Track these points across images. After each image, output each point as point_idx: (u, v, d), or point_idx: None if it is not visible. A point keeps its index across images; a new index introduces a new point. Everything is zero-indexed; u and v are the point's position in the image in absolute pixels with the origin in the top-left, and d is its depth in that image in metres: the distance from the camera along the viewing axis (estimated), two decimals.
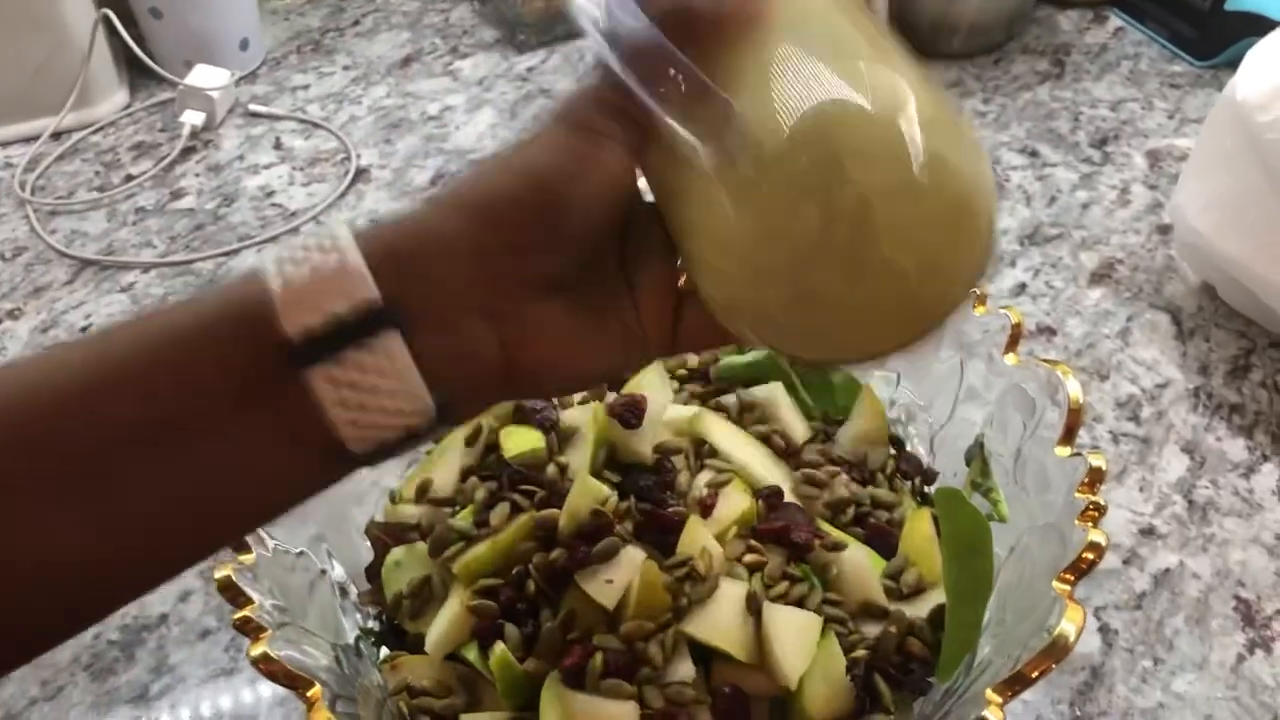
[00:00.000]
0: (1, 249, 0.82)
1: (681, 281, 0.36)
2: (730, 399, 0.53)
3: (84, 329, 0.75)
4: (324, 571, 0.47)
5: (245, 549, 0.42)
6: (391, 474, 0.54)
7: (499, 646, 0.43)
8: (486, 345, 0.32)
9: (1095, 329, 0.72)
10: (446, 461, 0.51)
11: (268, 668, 0.37)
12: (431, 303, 0.30)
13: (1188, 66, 0.95)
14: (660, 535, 0.46)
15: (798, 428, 0.52)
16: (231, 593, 0.40)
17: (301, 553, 0.46)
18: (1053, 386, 0.46)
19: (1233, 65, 0.68)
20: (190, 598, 0.58)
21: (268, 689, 0.54)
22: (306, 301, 0.29)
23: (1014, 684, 0.36)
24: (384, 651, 0.48)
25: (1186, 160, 0.72)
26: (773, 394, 0.53)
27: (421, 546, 0.47)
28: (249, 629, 0.39)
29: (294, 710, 0.53)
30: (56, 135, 0.91)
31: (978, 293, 0.51)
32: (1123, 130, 0.89)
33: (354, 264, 0.29)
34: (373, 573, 0.49)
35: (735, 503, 0.47)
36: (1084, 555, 0.39)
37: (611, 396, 0.51)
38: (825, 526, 0.48)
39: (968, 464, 0.51)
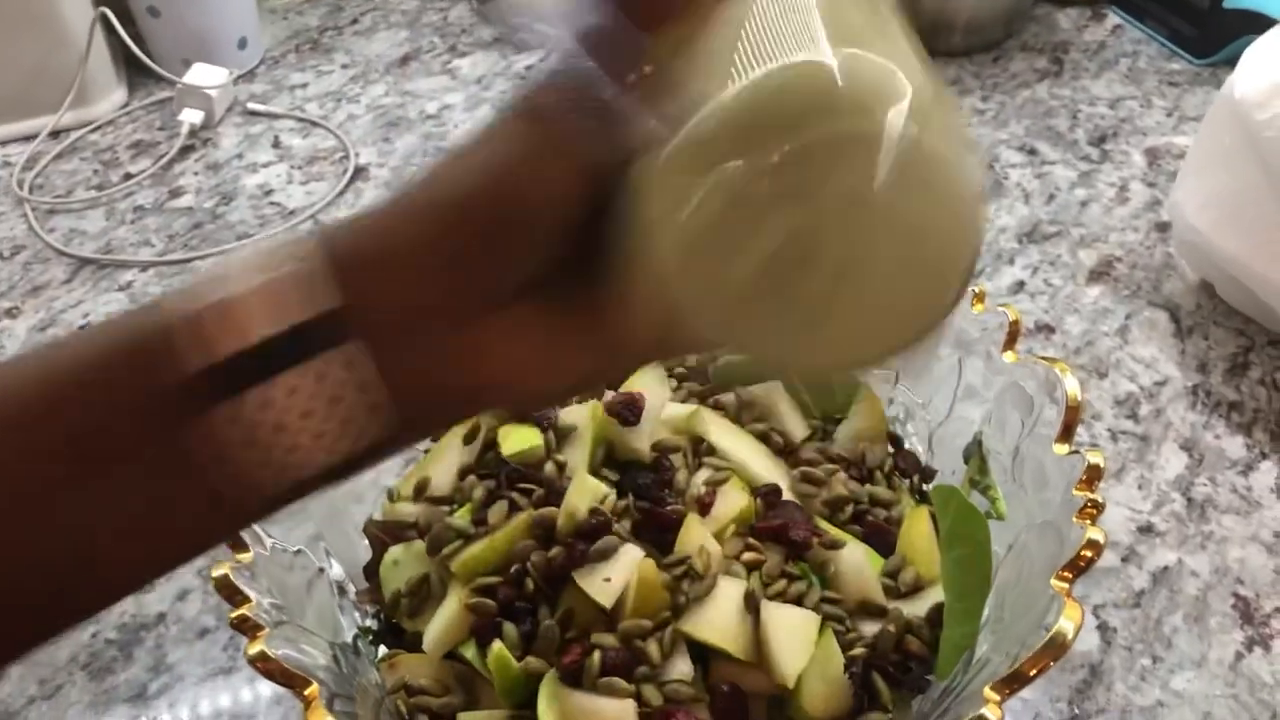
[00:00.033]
0: (0, 247, 0.82)
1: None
2: (729, 397, 0.53)
3: (82, 328, 0.75)
4: (322, 570, 0.47)
5: (243, 547, 0.42)
6: (390, 472, 0.54)
7: (497, 645, 0.43)
8: (447, 358, 0.29)
9: (1094, 327, 0.72)
10: (444, 460, 0.51)
11: (265, 666, 0.37)
12: (391, 313, 0.28)
13: (1186, 64, 0.95)
14: (658, 533, 0.46)
15: (796, 426, 0.52)
16: (229, 591, 0.40)
17: (299, 551, 0.46)
18: (1051, 384, 0.46)
19: (1231, 63, 0.68)
20: (188, 596, 0.58)
21: (266, 688, 0.54)
22: (233, 320, 0.26)
23: (1012, 682, 0.36)
24: (382, 650, 0.48)
25: (1185, 158, 0.72)
26: (771, 392, 0.53)
27: (419, 545, 0.47)
28: (246, 627, 0.39)
29: (292, 709, 0.53)
30: (55, 134, 0.91)
31: (975, 290, 0.51)
32: (1121, 128, 0.88)
33: (305, 273, 0.27)
34: (371, 571, 0.49)
35: (733, 501, 0.47)
36: (1082, 553, 0.39)
37: (610, 394, 0.51)
38: (823, 524, 0.48)
39: (966, 462, 0.51)
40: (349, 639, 0.47)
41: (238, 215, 0.84)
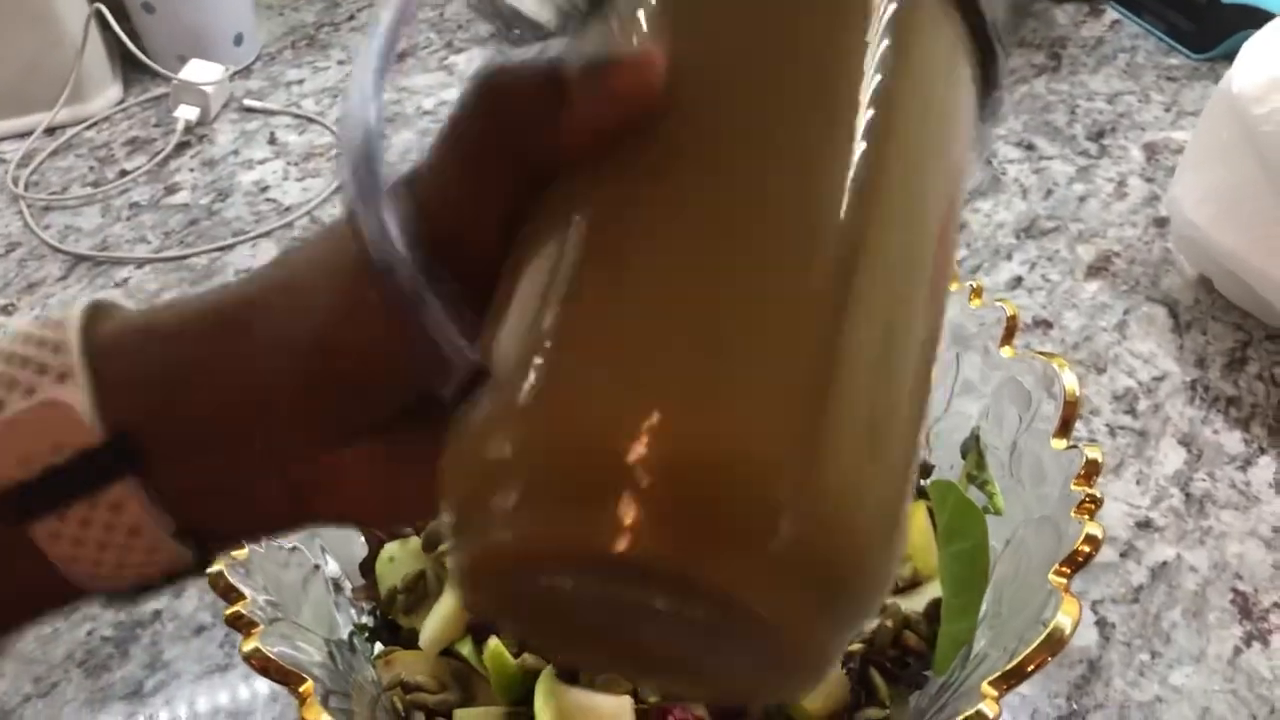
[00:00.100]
0: None
1: None
2: None
3: None
4: (317, 566, 0.47)
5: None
6: None
7: (493, 641, 0.43)
8: (268, 493, 0.26)
9: (1092, 322, 0.72)
10: None
11: (260, 663, 0.37)
12: (191, 445, 0.25)
13: (1184, 59, 0.95)
14: None
15: None
16: (224, 588, 0.40)
17: (295, 548, 0.46)
18: (1049, 379, 0.46)
19: (1229, 58, 0.68)
20: (184, 594, 0.58)
21: (263, 685, 0.54)
22: (12, 445, 0.24)
23: (1010, 677, 0.36)
24: (378, 647, 0.48)
25: (1183, 153, 0.72)
26: None
27: (415, 542, 0.47)
28: (241, 624, 0.38)
29: (289, 706, 0.53)
30: (50, 131, 0.91)
31: (973, 285, 0.51)
32: (1119, 123, 0.88)
33: (70, 400, 0.24)
34: (367, 568, 0.49)
35: None
36: (1080, 548, 0.39)
37: None
38: None
39: (963, 457, 0.51)
40: (345, 636, 0.46)
41: (234, 212, 0.84)
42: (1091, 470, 0.42)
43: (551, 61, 0.24)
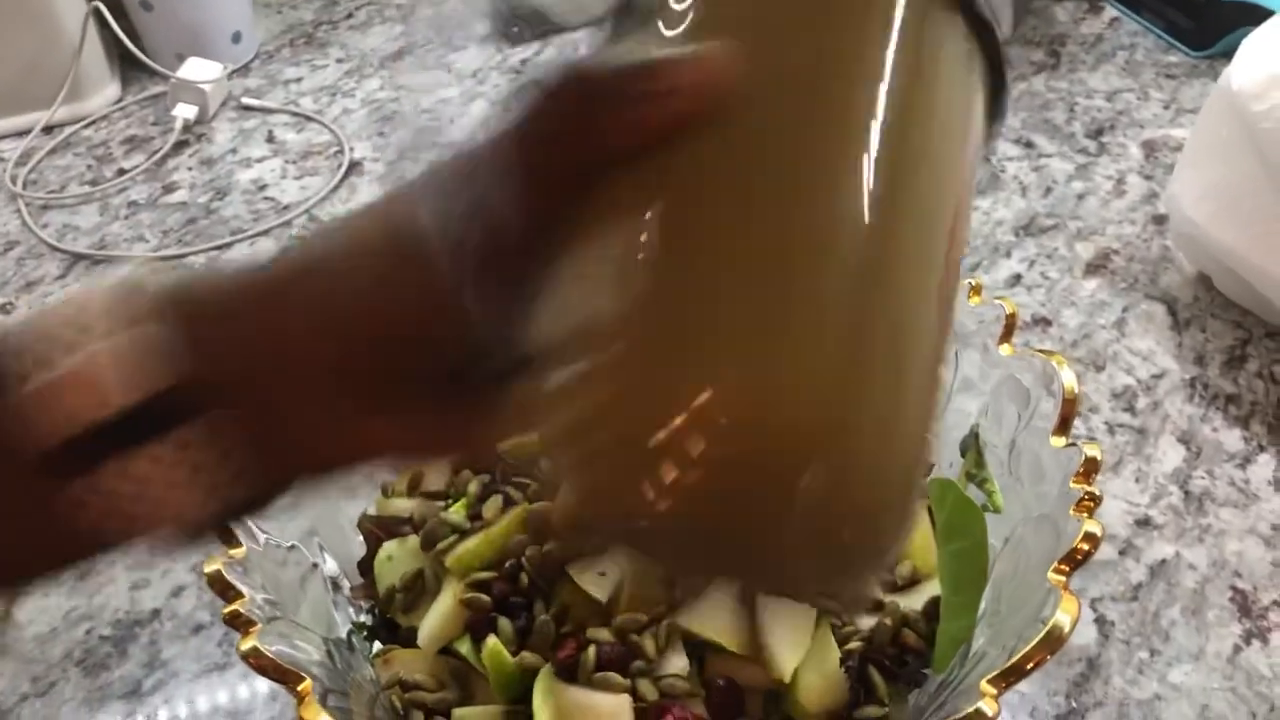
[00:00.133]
0: None
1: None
2: None
3: None
4: (316, 565, 0.47)
5: (235, 542, 0.42)
6: (383, 467, 0.54)
7: (492, 640, 0.43)
8: (313, 432, 0.28)
9: (1091, 319, 0.72)
10: None
11: (258, 662, 0.37)
12: (253, 385, 0.27)
13: (1183, 56, 0.95)
14: None
15: None
16: (221, 586, 0.40)
17: (293, 546, 0.46)
18: (1048, 377, 0.46)
19: (1228, 55, 0.68)
20: (183, 593, 0.58)
21: (262, 684, 0.54)
22: (75, 401, 0.25)
23: (1009, 675, 0.36)
24: (376, 646, 0.48)
25: (1182, 150, 0.72)
26: None
27: (414, 540, 0.47)
28: (239, 623, 0.38)
29: (288, 705, 0.53)
30: (48, 129, 0.91)
31: (972, 283, 0.51)
32: (1118, 120, 0.88)
33: (149, 340, 0.26)
34: (365, 567, 0.49)
35: None
36: (1079, 546, 0.39)
37: None
38: None
39: (962, 455, 0.51)
40: (343, 635, 0.46)
41: (232, 210, 0.83)
42: (1090, 468, 0.42)
43: (627, 62, 0.26)
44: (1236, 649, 0.54)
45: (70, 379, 0.26)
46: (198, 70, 0.91)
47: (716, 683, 0.43)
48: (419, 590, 0.46)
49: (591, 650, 0.42)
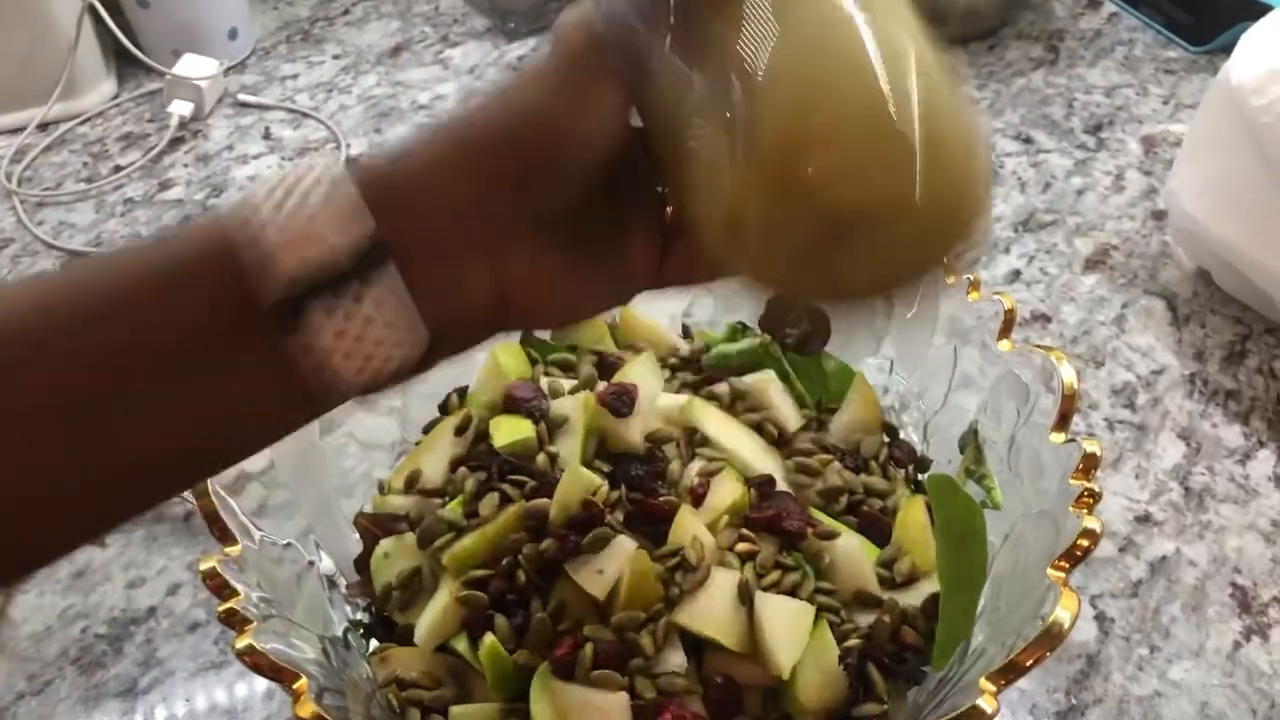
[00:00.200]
0: None
1: (668, 215, 0.35)
2: (722, 387, 0.52)
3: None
4: (312, 563, 0.47)
5: (231, 540, 0.42)
6: (380, 465, 0.53)
7: (489, 638, 0.43)
8: (479, 281, 0.32)
9: (1090, 315, 0.71)
10: (435, 452, 0.50)
11: (253, 660, 0.37)
12: (426, 238, 0.30)
13: (1182, 52, 0.95)
14: (651, 525, 0.46)
15: (790, 416, 0.52)
16: (217, 584, 0.39)
17: (289, 544, 0.46)
18: (1047, 373, 0.46)
19: (1227, 50, 0.68)
20: (179, 590, 0.58)
21: (258, 682, 0.54)
22: (299, 239, 0.28)
23: (1008, 672, 0.36)
24: (373, 644, 0.48)
25: (1181, 145, 0.72)
26: (765, 382, 0.52)
27: (410, 538, 0.47)
28: (235, 621, 0.38)
29: (285, 703, 0.53)
30: (43, 126, 0.90)
31: (970, 279, 0.51)
32: (1117, 116, 0.88)
33: (350, 198, 0.29)
34: (361, 564, 0.49)
35: (727, 491, 0.47)
36: (1079, 542, 0.39)
37: (602, 385, 0.51)
38: (818, 515, 0.48)
39: (962, 451, 0.51)
40: (339, 633, 0.46)
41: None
42: (1090, 464, 0.42)
43: None
44: (1236, 645, 0.54)
45: (298, 219, 0.28)
46: (194, 67, 0.90)
47: (714, 680, 0.42)
48: (416, 588, 0.46)
49: (589, 648, 0.42)
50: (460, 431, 0.50)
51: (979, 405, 0.50)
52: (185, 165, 0.87)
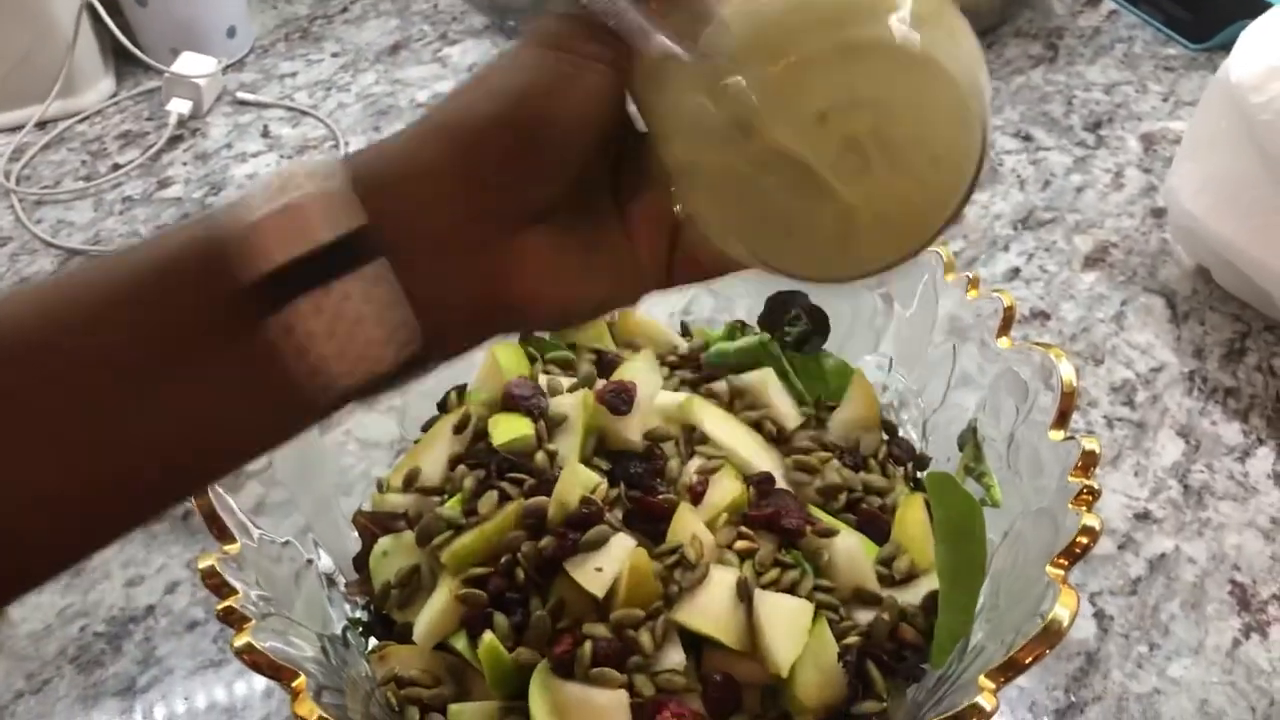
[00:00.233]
0: None
1: (676, 210, 0.35)
2: (721, 385, 0.52)
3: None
4: (310, 561, 0.47)
5: (230, 538, 0.42)
6: (379, 463, 0.53)
7: (488, 636, 0.43)
8: (473, 274, 0.31)
9: (1089, 313, 0.71)
10: (434, 450, 0.50)
11: (252, 658, 0.37)
12: (415, 232, 0.30)
13: (1182, 49, 0.94)
14: (650, 523, 0.46)
15: (789, 414, 0.52)
16: (216, 582, 0.39)
17: (288, 542, 0.46)
18: (1046, 370, 0.46)
19: (1226, 47, 0.67)
20: (177, 589, 0.58)
21: (257, 681, 0.54)
22: (286, 232, 0.28)
23: (1008, 670, 0.36)
24: (372, 642, 0.48)
25: (1180, 143, 0.72)
26: (764, 380, 0.52)
27: (409, 536, 0.47)
28: (233, 619, 0.38)
29: (283, 702, 0.53)
30: (42, 124, 0.90)
31: (970, 276, 0.51)
32: (1117, 114, 0.88)
33: (341, 192, 0.29)
34: (360, 562, 0.49)
35: (726, 489, 0.47)
36: (1078, 540, 0.39)
37: (601, 383, 0.51)
38: (817, 513, 0.48)
39: (960, 449, 0.51)
40: (338, 631, 0.46)
41: None
42: (1089, 462, 0.42)
43: None
44: (1236, 643, 0.54)
45: (285, 209, 0.28)
46: (192, 65, 0.90)
47: (713, 678, 0.42)
48: (414, 586, 0.46)
49: (588, 646, 0.42)
50: (459, 429, 0.50)
51: (978, 403, 0.50)
52: (184, 163, 0.87)
